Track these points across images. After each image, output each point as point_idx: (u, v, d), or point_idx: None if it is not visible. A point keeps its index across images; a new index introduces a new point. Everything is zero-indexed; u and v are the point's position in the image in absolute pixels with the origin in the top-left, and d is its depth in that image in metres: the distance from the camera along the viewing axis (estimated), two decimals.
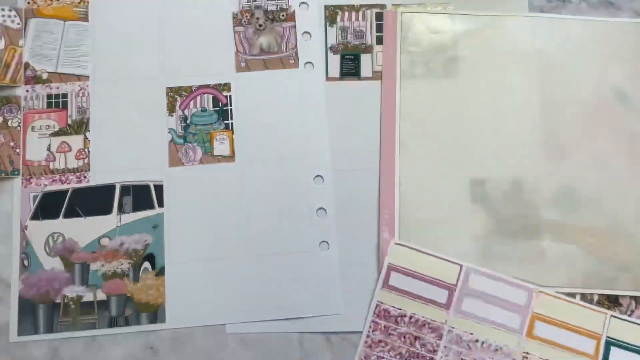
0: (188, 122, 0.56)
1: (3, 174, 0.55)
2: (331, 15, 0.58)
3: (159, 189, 0.55)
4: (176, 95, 0.57)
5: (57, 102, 0.56)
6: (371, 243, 0.54)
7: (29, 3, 0.58)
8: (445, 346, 0.50)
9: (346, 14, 0.58)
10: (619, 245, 0.53)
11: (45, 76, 0.57)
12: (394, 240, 0.52)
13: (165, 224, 0.54)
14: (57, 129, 0.56)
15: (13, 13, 0.58)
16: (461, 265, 0.52)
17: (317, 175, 0.55)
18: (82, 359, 0.52)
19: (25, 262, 0.53)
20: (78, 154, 0.55)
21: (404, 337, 0.50)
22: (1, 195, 0.55)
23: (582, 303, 0.51)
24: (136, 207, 0.54)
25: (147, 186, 0.55)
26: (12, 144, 0.55)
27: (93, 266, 0.53)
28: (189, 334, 0.52)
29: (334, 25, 0.58)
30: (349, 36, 0.58)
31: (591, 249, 0.53)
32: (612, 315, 0.51)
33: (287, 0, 0.58)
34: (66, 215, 0.54)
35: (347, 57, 0.58)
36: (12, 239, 0.54)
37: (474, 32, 0.57)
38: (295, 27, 0.58)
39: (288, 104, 0.56)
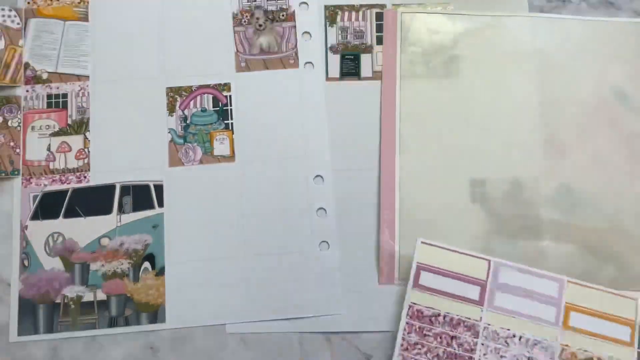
0: (188, 122, 0.56)
1: (3, 174, 0.55)
2: (331, 15, 0.58)
3: (159, 189, 0.55)
4: (176, 95, 0.57)
5: (57, 102, 0.56)
6: (371, 243, 0.54)
7: (29, 3, 0.58)
8: (482, 344, 0.49)
9: (346, 14, 0.58)
10: (618, 245, 0.53)
11: (45, 76, 0.57)
12: (420, 239, 0.52)
13: (165, 224, 0.54)
14: (57, 129, 0.56)
15: (13, 13, 0.58)
16: (489, 260, 0.51)
17: (317, 175, 0.55)
18: (82, 359, 0.52)
19: (25, 262, 0.53)
20: (78, 154, 0.55)
21: (440, 338, 0.50)
22: (1, 195, 0.55)
23: (611, 290, 0.51)
24: (136, 207, 0.54)
25: (147, 186, 0.55)
26: (12, 144, 0.55)
27: (93, 266, 0.53)
28: (189, 334, 0.52)
29: (334, 25, 0.58)
30: (349, 36, 0.58)
31: (591, 249, 0.53)
32: None
33: (287, 0, 0.58)
34: (66, 215, 0.54)
35: (347, 57, 0.58)
36: (12, 239, 0.54)
37: (474, 32, 0.57)
38: (295, 27, 0.58)
39: (288, 104, 0.56)
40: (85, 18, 0.58)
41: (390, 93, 0.56)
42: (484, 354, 0.49)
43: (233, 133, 0.56)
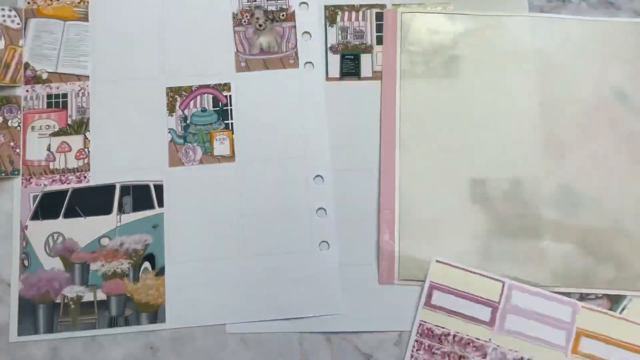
0: (188, 122, 0.56)
1: (3, 174, 0.55)
2: (331, 15, 0.58)
3: (159, 189, 0.55)
4: (176, 95, 0.57)
5: (57, 102, 0.56)
6: (371, 243, 0.54)
7: (29, 3, 0.58)
8: None
9: (346, 14, 0.58)
10: (618, 245, 0.53)
11: (45, 76, 0.57)
12: (435, 258, 0.52)
13: (165, 224, 0.54)
14: (57, 129, 0.56)
15: (13, 13, 0.58)
16: (503, 282, 0.51)
17: (317, 175, 0.55)
18: (82, 359, 0.52)
19: (25, 262, 0.53)
20: (78, 154, 0.55)
21: (448, 356, 0.50)
22: (1, 195, 0.55)
23: (625, 317, 0.51)
24: (136, 207, 0.54)
25: (147, 186, 0.55)
26: (12, 144, 0.55)
27: (93, 266, 0.53)
28: (189, 334, 0.52)
29: (334, 25, 0.58)
30: (349, 36, 0.58)
31: (591, 249, 0.53)
32: None
33: (287, 0, 0.58)
34: (66, 215, 0.54)
35: (347, 57, 0.58)
36: (12, 239, 0.54)
37: (474, 32, 0.57)
38: (295, 27, 0.58)
39: (288, 104, 0.56)
40: (85, 18, 0.58)
41: (390, 93, 0.56)
42: None
43: (233, 133, 0.56)
